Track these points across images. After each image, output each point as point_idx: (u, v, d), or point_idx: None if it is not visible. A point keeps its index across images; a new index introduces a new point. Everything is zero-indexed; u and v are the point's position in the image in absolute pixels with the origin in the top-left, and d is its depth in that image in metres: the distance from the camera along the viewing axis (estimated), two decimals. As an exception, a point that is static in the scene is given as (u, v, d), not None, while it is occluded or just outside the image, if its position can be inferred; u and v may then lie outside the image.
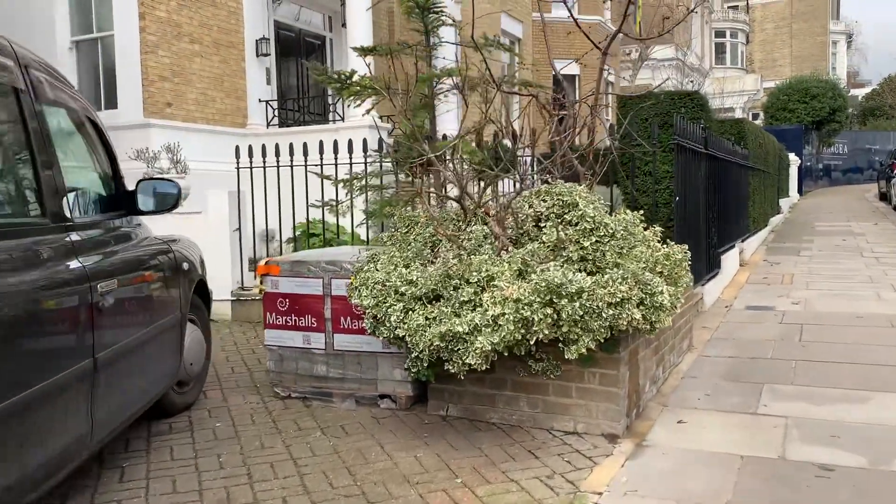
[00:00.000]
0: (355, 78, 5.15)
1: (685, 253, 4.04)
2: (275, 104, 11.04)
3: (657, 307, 3.50)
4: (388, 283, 3.64)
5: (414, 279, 3.61)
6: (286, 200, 6.89)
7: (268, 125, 10.85)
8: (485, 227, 4.05)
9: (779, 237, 13.22)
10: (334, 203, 5.53)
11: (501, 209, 4.06)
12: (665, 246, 4.08)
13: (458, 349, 3.40)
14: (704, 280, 6.99)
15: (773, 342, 5.59)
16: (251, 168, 7.08)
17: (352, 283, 3.95)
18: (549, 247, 3.89)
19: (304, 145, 6.80)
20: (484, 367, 3.43)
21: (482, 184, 4.64)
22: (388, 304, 3.63)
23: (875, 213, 17.80)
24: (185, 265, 4.04)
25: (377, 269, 3.83)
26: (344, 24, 11.23)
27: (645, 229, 4.35)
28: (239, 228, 7.21)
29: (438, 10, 5.10)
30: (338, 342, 4.31)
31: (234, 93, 10.42)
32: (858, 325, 6.04)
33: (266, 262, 4.46)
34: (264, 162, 7.00)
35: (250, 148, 7.17)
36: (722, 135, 10.46)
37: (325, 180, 5.81)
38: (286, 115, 11.48)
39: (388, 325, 3.61)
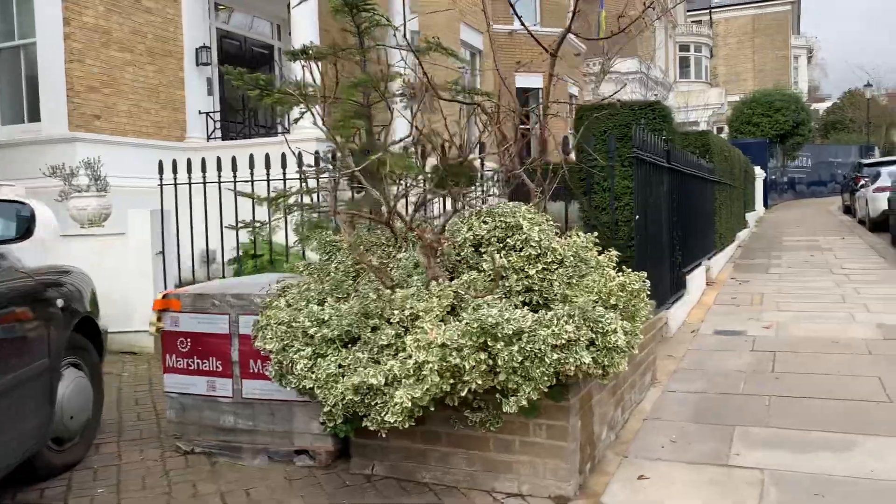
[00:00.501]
0: (279, 84, 4.59)
1: (643, 282, 3.51)
2: (217, 116, 10.41)
3: (610, 349, 2.96)
4: (294, 324, 3.05)
5: (326, 318, 3.03)
6: (227, 218, 6.28)
7: (208, 138, 10.21)
8: (417, 254, 3.50)
9: (746, 253, 12.87)
10: (258, 224, 4.95)
11: (435, 233, 3.51)
12: (621, 273, 3.55)
13: (376, 404, 2.83)
14: (669, 303, 6.51)
15: (744, 374, 5.09)
16: (175, 184, 6.45)
17: (258, 321, 3.36)
18: (489, 276, 3.35)
19: (233, 160, 6.19)
20: (408, 425, 2.86)
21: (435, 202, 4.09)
22: (294, 349, 3.04)
23: (841, 227, 17.61)
24: (60, 301, 3.41)
25: (286, 306, 3.26)
26: (290, 32, 10.66)
27: (600, 253, 3.84)
28: (163, 251, 6.56)
29: (370, 7, 4.57)
30: (247, 389, 3.70)
31: (171, 104, 9.77)
32: (834, 351, 5.58)
33: (164, 296, 3.85)
34: (189, 178, 6.39)
35: (174, 163, 6.54)
36: (686, 147, 10.06)
37: (260, 197, 5.21)
38: (230, 127, 10.85)
39: (294, 373, 3.02)
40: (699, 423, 4.15)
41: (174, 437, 3.93)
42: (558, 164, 4.95)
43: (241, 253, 7.74)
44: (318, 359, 2.96)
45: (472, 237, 3.50)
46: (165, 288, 6.62)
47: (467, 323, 2.75)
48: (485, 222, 3.56)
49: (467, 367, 2.73)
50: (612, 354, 2.97)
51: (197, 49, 10.13)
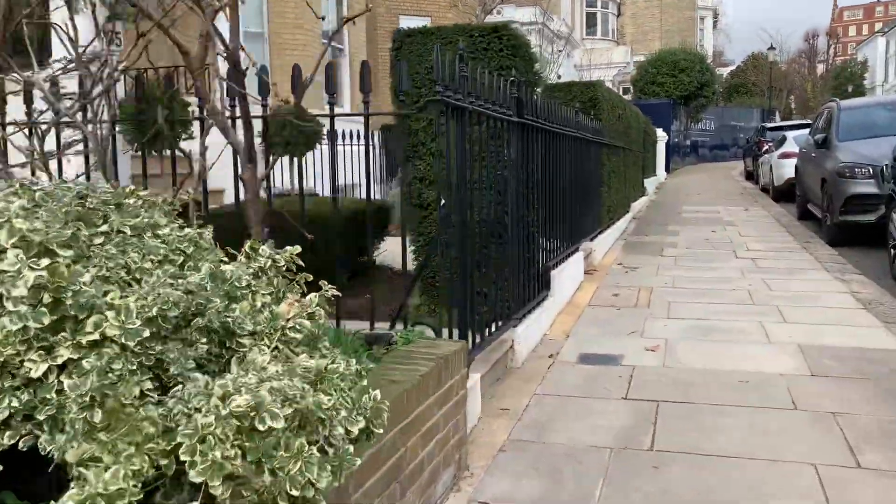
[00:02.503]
0: None
1: (343, 373, 1.47)
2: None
3: None
4: None
5: None
6: None
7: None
8: None
9: (640, 227, 11.20)
10: None
11: None
12: (293, 351, 1.50)
13: None
14: (519, 316, 4.57)
15: (608, 453, 3.19)
16: None
17: None
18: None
19: None
20: None
21: None
22: None
23: (744, 196, 16.32)
24: None
25: None
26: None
27: (270, 279, 1.82)
28: None
29: None
30: None
31: None
32: (743, 401, 3.77)
33: None
34: None
35: None
36: (570, 102, 8.21)
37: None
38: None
39: None
40: None
41: None
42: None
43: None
44: None
45: None
46: None
47: None
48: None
49: None
50: None
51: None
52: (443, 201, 3.28)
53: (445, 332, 3.29)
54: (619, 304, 6.03)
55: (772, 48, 39.23)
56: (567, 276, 6.05)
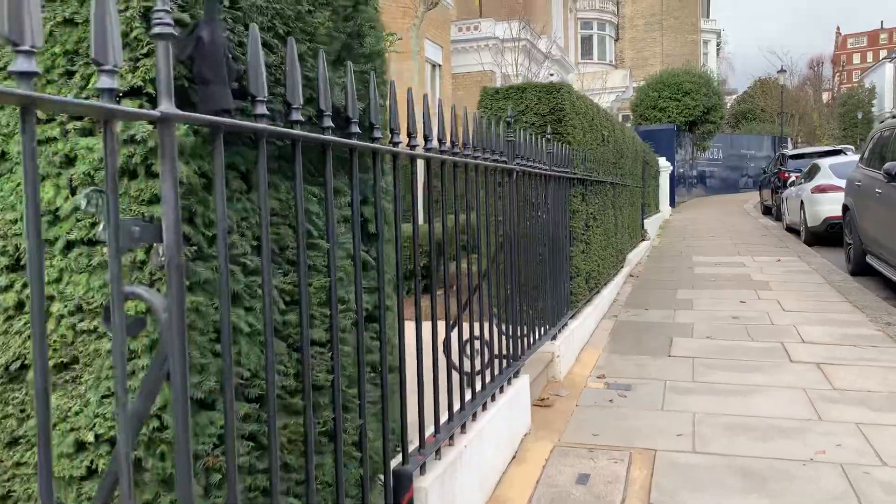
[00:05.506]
0: None
1: None
2: None
3: None
4: None
5: None
6: None
7: None
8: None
9: (638, 294, 8.06)
10: None
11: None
12: None
13: None
14: None
15: None
16: None
17: None
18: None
19: None
20: None
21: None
22: None
23: (769, 238, 13.19)
24: None
25: None
26: None
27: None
28: None
29: None
30: None
31: None
32: None
33: None
34: None
35: None
36: (524, 114, 5.26)
37: None
38: None
39: None
40: None
41: None
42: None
43: None
44: None
45: None
46: None
47: None
48: None
49: None
50: None
51: None
52: None
53: None
54: (585, 520, 2.88)
55: (782, 71, 36.38)
56: (475, 461, 2.91)
